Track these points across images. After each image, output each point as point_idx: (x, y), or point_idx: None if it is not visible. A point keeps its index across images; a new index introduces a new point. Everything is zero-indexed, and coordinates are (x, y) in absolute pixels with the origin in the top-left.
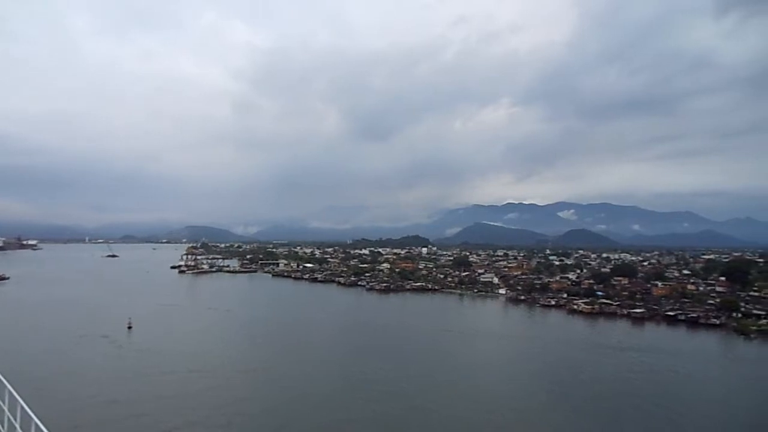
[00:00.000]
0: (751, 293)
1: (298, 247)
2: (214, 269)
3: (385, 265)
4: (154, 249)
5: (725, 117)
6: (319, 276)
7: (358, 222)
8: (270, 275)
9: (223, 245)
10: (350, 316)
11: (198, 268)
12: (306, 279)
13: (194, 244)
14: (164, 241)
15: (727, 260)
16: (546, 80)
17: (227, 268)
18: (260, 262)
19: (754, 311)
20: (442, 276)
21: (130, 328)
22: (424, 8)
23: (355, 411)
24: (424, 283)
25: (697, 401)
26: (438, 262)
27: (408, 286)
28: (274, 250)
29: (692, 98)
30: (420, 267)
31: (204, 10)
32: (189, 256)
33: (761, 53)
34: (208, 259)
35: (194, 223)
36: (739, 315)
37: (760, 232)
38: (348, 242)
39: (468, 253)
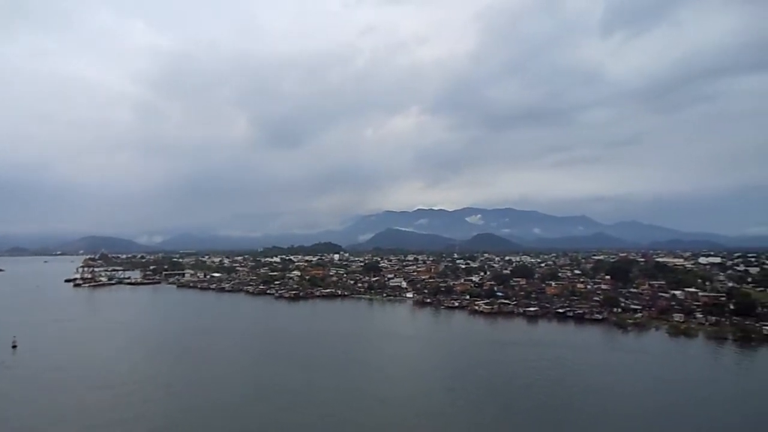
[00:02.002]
0: (631, 290)
1: (206, 257)
2: (113, 282)
3: (295, 272)
4: (46, 262)
5: (613, 128)
6: (227, 285)
7: (270, 229)
8: (175, 286)
9: (124, 256)
10: (255, 325)
11: (95, 281)
12: (213, 289)
13: (92, 256)
14: (58, 253)
15: (613, 260)
16: (452, 90)
17: (128, 280)
18: (164, 273)
19: (632, 306)
20: (352, 282)
21: (14, 347)
22: (333, 16)
23: (259, 420)
24: (333, 290)
25: (581, 388)
26: (349, 268)
27: (318, 293)
28: (180, 260)
29: (584, 111)
30: (331, 273)
31: (99, 10)
32: (86, 269)
33: (642, 70)
34: (107, 271)
35: (92, 233)
36: (619, 310)
37: (643, 234)
38: (259, 250)
39: (379, 259)
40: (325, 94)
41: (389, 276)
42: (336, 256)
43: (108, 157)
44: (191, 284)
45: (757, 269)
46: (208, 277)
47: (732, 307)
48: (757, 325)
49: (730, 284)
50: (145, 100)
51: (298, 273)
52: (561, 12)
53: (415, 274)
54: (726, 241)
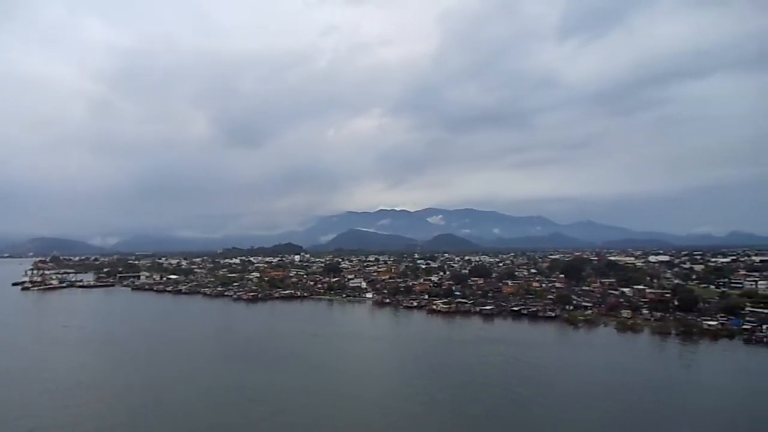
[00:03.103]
0: (584, 288)
1: (163, 258)
2: (64, 285)
3: (255, 274)
4: None
5: (569, 130)
6: (184, 288)
7: (230, 230)
8: (130, 289)
9: (76, 258)
10: (210, 326)
11: (45, 284)
12: (169, 291)
13: (43, 258)
14: (6, 255)
15: (568, 259)
16: (414, 92)
17: (80, 283)
18: (119, 275)
19: (584, 303)
20: (312, 283)
21: None
22: (295, 15)
23: (209, 422)
24: (293, 291)
25: (532, 383)
26: (310, 269)
27: (277, 294)
28: (135, 262)
29: (541, 113)
30: (291, 275)
31: (51, 5)
32: (35, 272)
33: (597, 75)
34: (58, 273)
35: (43, 234)
36: (571, 307)
37: (598, 234)
38: (218, 252)
39: (340, 260)
40: (287, 94)
41: (350, 277)
42: (297, 257)
43: (61, 155)
44: (147, 287)
45: (702, 267)
46: (164, 279)
47: (676, 303)
48: (698, 320)
49: (676, 281)
50: (100, 97)
51: (258, 274)
52: (519, 17)
53: (375, 274)
54: (675, 240)
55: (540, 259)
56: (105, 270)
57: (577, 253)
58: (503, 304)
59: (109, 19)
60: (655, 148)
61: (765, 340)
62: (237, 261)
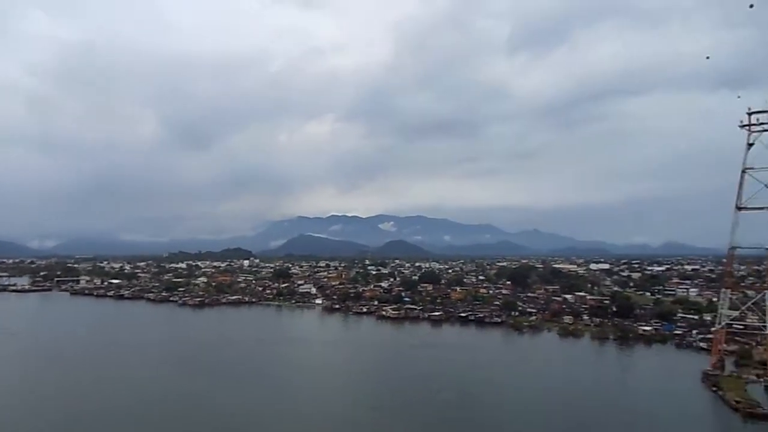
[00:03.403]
0: (529, 294)
1: (105, 262)
2: None
3: (201, 279)
4: None
5: (518, 141)
6: (126, 292)
7: (177, 234)
8: (68, 294)
9: (11, 261)
10: (151, 332)
11: None
12: (111, 296)
13: None
14: None
15: (514, 267)
16: (367, 99)
17: (14, 287)
18: (57, 279)
19: (528, 309)
20: (261, 288)
21: None
22: (248, 17)
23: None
24: (241, 296)
25: (476, 383)
26: (259, 275)
27: (224, 300)
28: (75, 265)
29: (491, 124)
30: (239, 280)
31: None
32: None
33: (544, 89)
34: None
35: None
36: (516, 313)
37: (543, 242)
38: (164, 256)
39: (290, 265)
40: (239, 97)
41: (299, 282)
42: (246, 262)
43: None
44: (87, 291)
45: (639, 275)
46: (105, 283)
47: (614, 309)
48: (634, 325)
49: (615, 288)
50: (41, 93)
51: (205, 279)
52: (471, 30)
53: (325, 280)
54: (614, 249)
55: (488, 266)
56: (42, 274)
57: (524, 261)
58: (451, 310)
59: (54, 12)
60: (597, 160)
61: (694, 344)
62: (183, 265)
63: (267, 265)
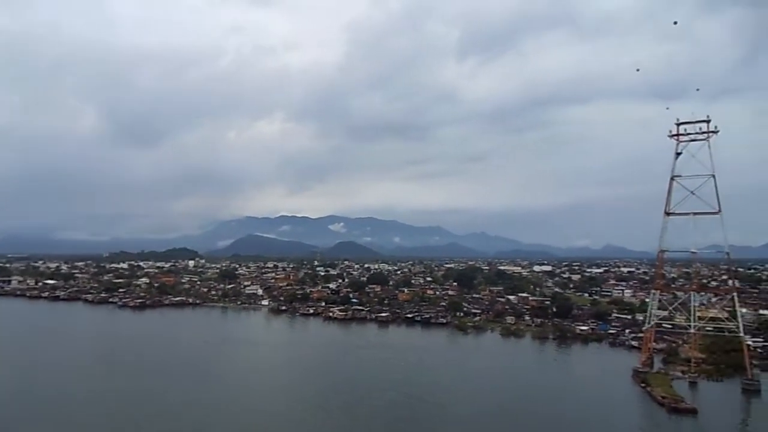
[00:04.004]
0: (474, 295)
1: (41, 262)
2: None
3: (143, 279)
4: None
5: (466, 145)
6: (62, 294)
7: (119, 233)
8: None
9: None
10: (86, 334)
11: None
12: (45, 297)
13: None
14: None
15: (462, 269)
16: (318, 99)
17: None
18: None
19: (473, 310)
20: (205, 289)
21: None
22: (197, 12)
23: None
24: (185, 298)
25: (419, 383)
26: (204, 275)
27: (167, 301)
28: (7, 265)
29: (441, 127)
30: (183, 281)
31: None
32: None
33: (492, 94)
34: None
35: None
36: (461, 314)
37: (490, 244)
38: (104, 255)
39: (237, 266)
40: (186, 93)
41: (246, 283)
42: (191, 263)
43: None
44: (18, 292)
45: (579, 276)
46: (40, 284)
47: (554, 310)
48: (572, 325)
49: (556, 290)
50: None
51: (147, 280)
52: (422, 34)
53: (273, 281)
54: (557, 252)
55: (436, 268)
56: None
57: (471, 263)
58: (398, 311)
59: None
60: (542, 165)
61: (627, 343)
62: (125, 266)
63: (213, 265)
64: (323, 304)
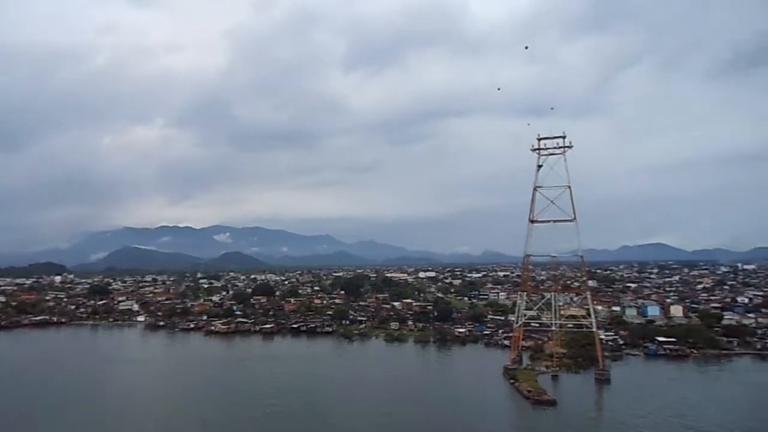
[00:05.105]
0: (361, 303)
1: None
2: None
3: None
4: None
5: (355, 155)
6: None
7: None
8: None
9: None
10: None
11: None
12: None
13: None
14: None
15: (350, 277)
16: (201, 105)
17: None
18: None
19: (359, 317)
20: (73, 307)
21: None
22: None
23: None
24: (48, 316)
25: (301, 393)
26: (72, 292)
27: (26, 321)
28: None
29: (330, 137)
30: (47, 298)
31: None
32: None
33: (379, 106)
34: None
35: None
36: (347, 322)
37: (379, 252)
38: None
39: (112, 280)
40: (55, 94)
41: (120, 299)
42: (57, 278)
43: None
44: None
45: (460, 281)
46: None
47: (436, 314)
48: (451, 327)
49: (438, 294)
50: None
51: (3, 298)
52: (309, 43)
53: (151, 295)
54: (441, 258)
55: (324, 277)
56: None
57: (359, 271)
58: (283, 321)
59: None
60: (427, 175)
61: (499, 342)
62: None
63: (84, 280)
64: (205, 317)
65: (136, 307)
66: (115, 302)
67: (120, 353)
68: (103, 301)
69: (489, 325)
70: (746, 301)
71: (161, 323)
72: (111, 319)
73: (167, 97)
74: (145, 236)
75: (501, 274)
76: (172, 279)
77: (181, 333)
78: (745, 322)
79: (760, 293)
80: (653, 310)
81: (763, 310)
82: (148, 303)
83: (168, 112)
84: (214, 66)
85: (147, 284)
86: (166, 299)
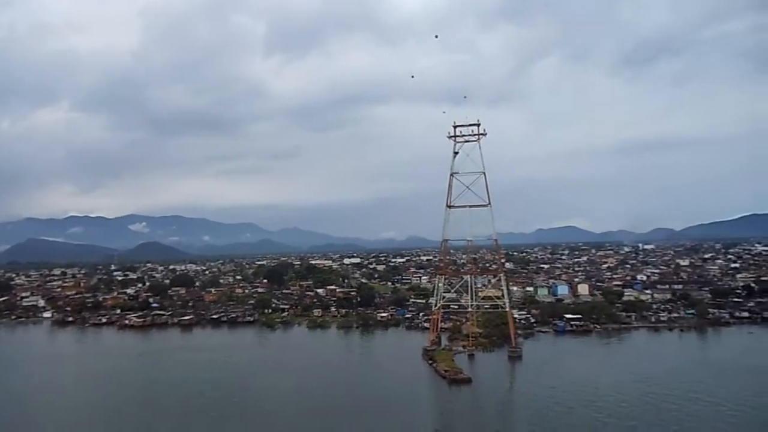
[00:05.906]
0: (284, 291)
1: None
2: None
3: None
4: None
5: (276, 141)
6: None
7: None
8: None
9: None
10: None
11: None
12: None
13: None
14: None
15: (273, 265)
16: (111, 87)
17: None
18: None
19: (282, 306)
20: None
21: None
22: None
23: None
24: None
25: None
26: None
27: None
28: None
29: (250, 123)
30: None
31: None
32: None
33: (299, 91)
34: None
35: None
36: (270, 311)
37: (304, 239)
38: None
39: (14, 275)
40: None
41: (24, 294)
42: None
43: None
44: None
45: (383, 266)
46: None
47: (359, 299)
48: (374, 312)
49: (362, 280)
50: None
51: None
52: (227, 25)
53: (59, 290)
54: (366, 244)
55: (247, 266)
56: None
57: (283, 259)
58: (203, 312)
59: None
60: (351, 161)
61: (420, 325)
62: None
63: None
64: (119, 311)
65: (42, 302)
66: (18, 298)
67: (19, 352)
68: (4, 298)
69: (411, 308)
70: (644, 278)
71: (70, 319)
72: (13, 317)
73: (74, 78)
74: (52, 227)
75: (424, 258)
76: (83, 272)
77: (92, 328)
78: (643, 298)
79: (657, 271)
80: (563, 289)
81: (659, 286)
82: (56, 298)
83: (75, 94)
84: (124, 47)
85: (55, 278)
86: (76, 293)
